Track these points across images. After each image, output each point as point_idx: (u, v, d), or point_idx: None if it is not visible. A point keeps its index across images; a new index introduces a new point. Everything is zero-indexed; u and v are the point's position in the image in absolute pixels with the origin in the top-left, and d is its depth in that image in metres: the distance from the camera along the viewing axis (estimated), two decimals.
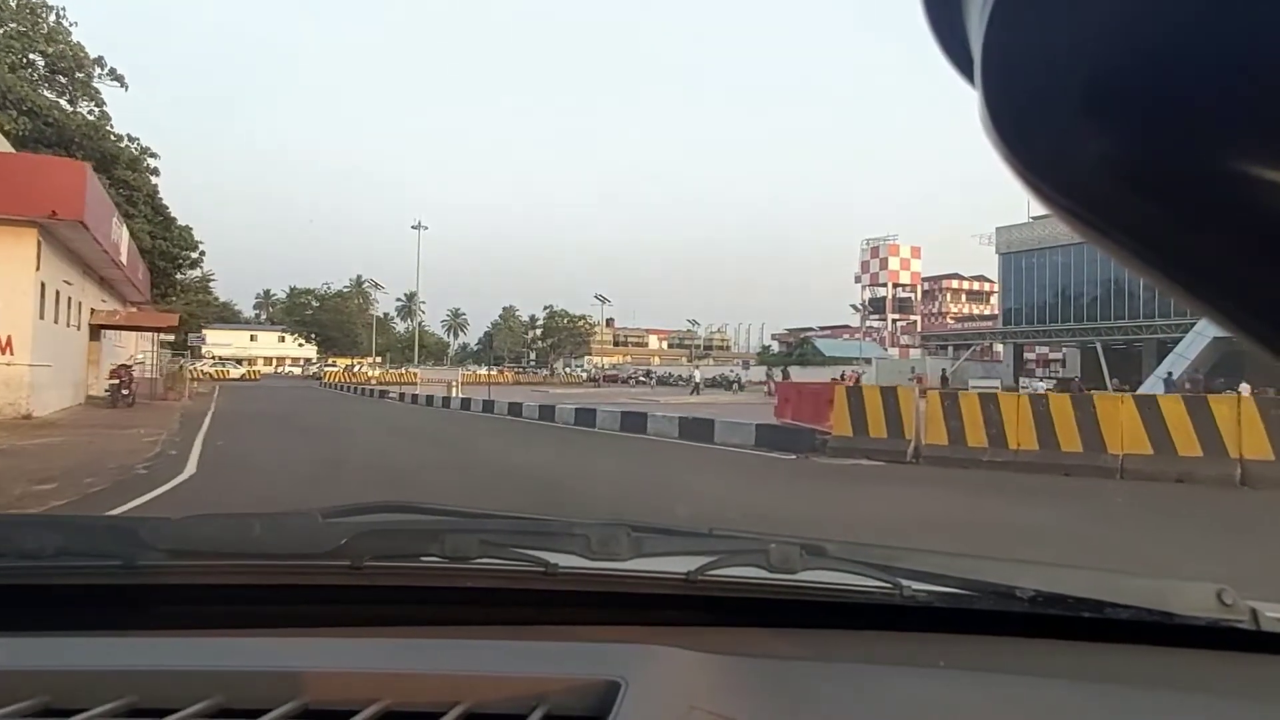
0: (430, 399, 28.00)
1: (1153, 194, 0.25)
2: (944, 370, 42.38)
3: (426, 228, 66.53)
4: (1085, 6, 0.24)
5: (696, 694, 0.83)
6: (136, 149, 28.79)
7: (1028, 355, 56.23)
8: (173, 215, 33.33)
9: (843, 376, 54.47)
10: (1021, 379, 45.15)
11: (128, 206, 28.60)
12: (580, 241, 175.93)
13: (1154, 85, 0.24)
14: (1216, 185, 0.24)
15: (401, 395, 31.45)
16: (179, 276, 38.60)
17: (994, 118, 0.26)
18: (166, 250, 31.80)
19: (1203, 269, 0.26)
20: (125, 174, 28.69)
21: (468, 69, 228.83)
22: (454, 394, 27.54)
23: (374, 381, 45.40)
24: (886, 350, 71.38)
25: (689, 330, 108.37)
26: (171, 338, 45.76)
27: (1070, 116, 0.25)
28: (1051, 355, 59.48)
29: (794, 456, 11.25)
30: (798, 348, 71.93)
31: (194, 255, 36.77)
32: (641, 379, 63.13)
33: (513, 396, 29.60)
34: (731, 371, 43.79)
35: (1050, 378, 48.27)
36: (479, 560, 1.04)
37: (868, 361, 58.81)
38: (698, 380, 42.61)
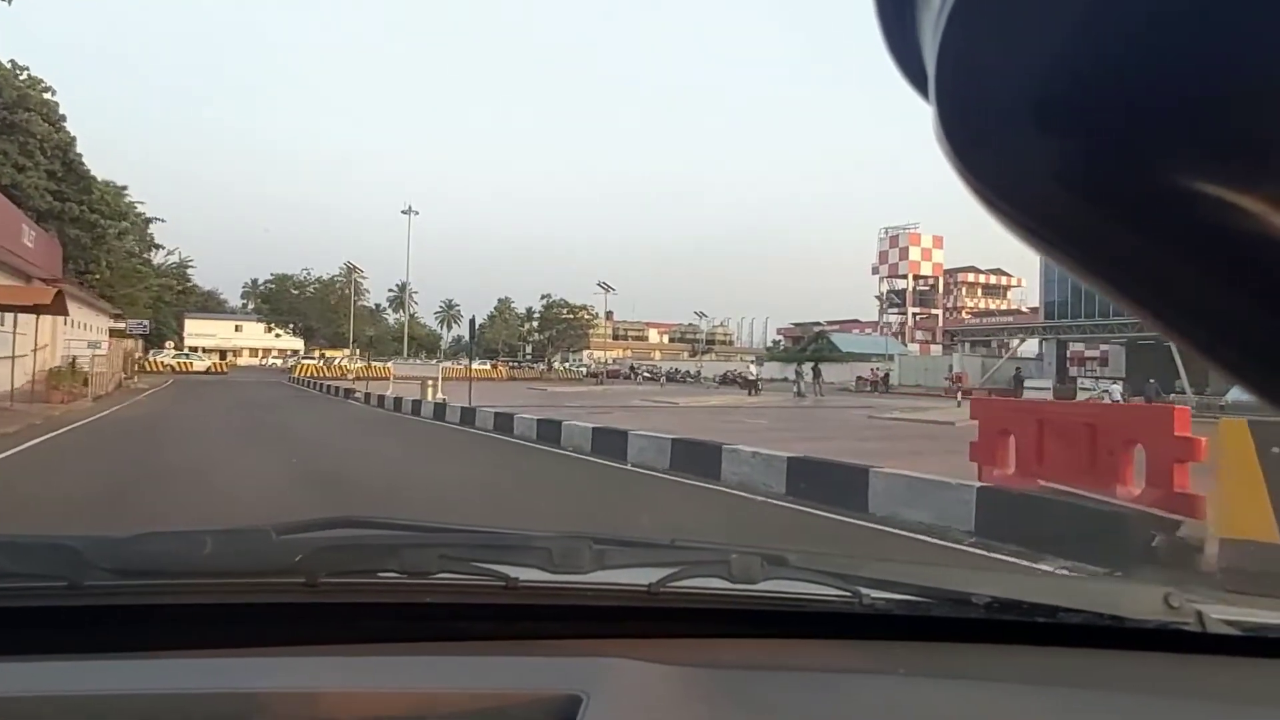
0: (399, 402, 21.49)
1: (1105, 208, 0.25)
2: (1018, 370, 35.66)
3: (417, 213, 59.82)
4: (1038, 23, 0.24)
5: (658, 706, 0.82)
6: (24, 80, 22.06)
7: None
8: (93, 175, 26.73)
9: (871, 374, 48.81)
10: (1082, 381, 38.49)
11: (20, 157, 22.05)
12: (577, 234, 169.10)
13: (1105, 101, 0.24)
14: (1168, 200, 0.24)
15: (367, 396, 24.95)
16: (117, 250, 32.01)
17: (947, 132, 0.26)
18: (81, 217, 25.12)
19: (1155, 283, 0.26)
20: (20, 115, 22.02)
21: (465, 58, 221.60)
22: (429, 397, 21.07)
23: (351, 376, 38.85)
24: (906, 346, 64.97)
25: (690, 324, 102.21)
26: (122, 326, 39.19)
27: (1023, 131, 0.25)
28: (1088, 353, 53.07)
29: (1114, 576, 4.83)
30: (812, 343, 65.36)
31: (124, 225, 30.13)
32: (648, 375, 56.75)
33: (504, 397, 23.24)
34: (749, 369, 37.03)
35: (1093, 377, 41.65)
36: (438, 575, 1.00)
37: (888, 358, 52.55)
38: (753, 377, 35.36)
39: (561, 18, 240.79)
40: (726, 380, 49.65)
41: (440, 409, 18.30)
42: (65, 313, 18.59)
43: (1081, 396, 32.17)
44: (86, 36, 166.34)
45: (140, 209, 55.38)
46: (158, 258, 65.30)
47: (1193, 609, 1.05)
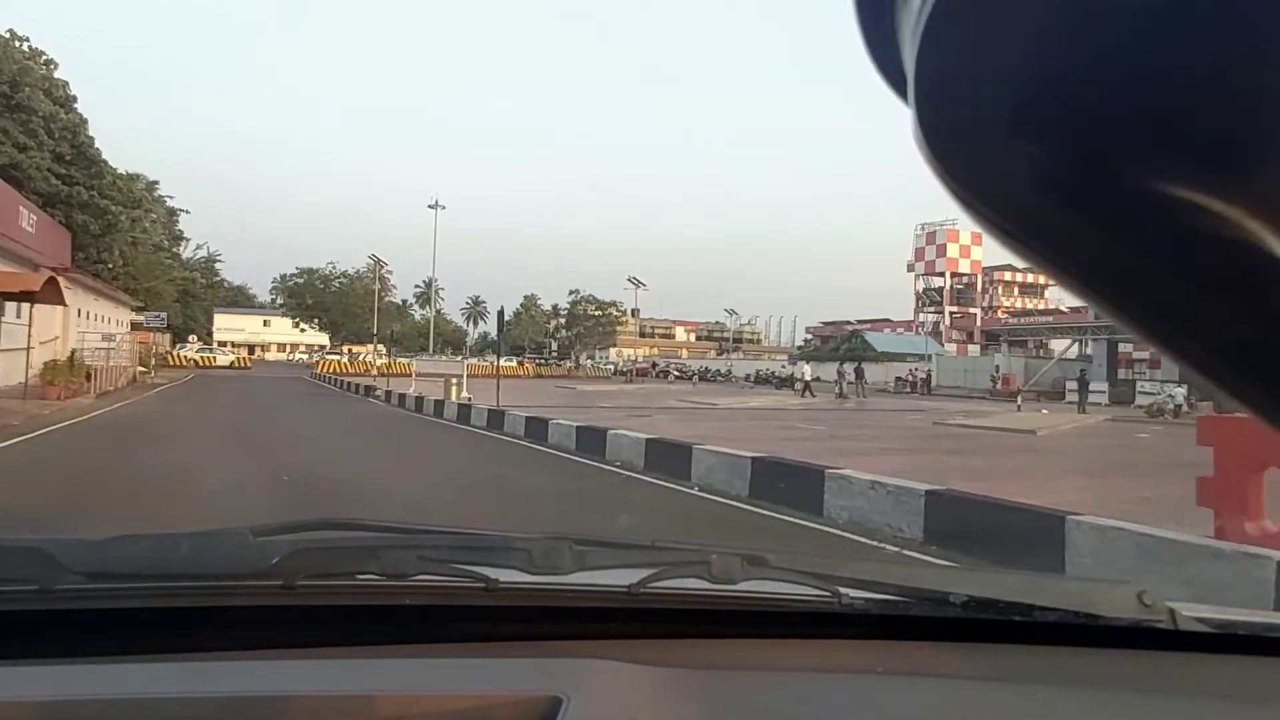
0: (420, 402, 19.61)
1: (1079, 211, 0.25)
2: (1082, 373, 32.92)
3: (444, 208, 58.20)
4: (1014, 29, 0.24)
5: (638, 707, 0.81)
6: (25, 52, 20.30)
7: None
8: (105, 159, 25.06)
9: (910, 375, 46.35)
10: (1141, 385, 35.73)
11: (22, 135, 20.40)
12: (603, 231, 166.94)
13: (1082, 106, 0.24)
14: (1144, 204, 0.24)
15: (388, 395, 23.10)
16: (143, 242, 30.43)
17: (926, 135, 0.26)
18: (91, 203, 23.46)
19: (1130, 286, 0.26)
20: (23, 92, 20.38)
21: (492, 52, 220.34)
22: (453, 397, 19.17)
23: (374, 373, 37.15)
24: (942, 346, 62.24)
25: (717, 322, 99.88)
26: (140, 318, 37.80)
27: (999, 135, 0.25)
28: (1136, 354, 50.09)
29: None
30: (845, 342, 62.76)
31: (138, 213, 28.49)
32: (679, 374, 54.60)
33: (533, 396, 21.36)
34: (804, 369, 33.83)
35: (1148, 380, 38.75)
36: (418, 577, 0.97)
37: (925, 358, 50.01)
38: (807, 379, 32.17)
39: (589, 11, 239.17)
40: (760, 380, 47.53)
41: (465, 411, 16.38)
42: (61, 302, 16.91)
43: (1142, 400, 29.62)
44: (108, 29, 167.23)
45: (170, 202, 54.40)
46: (186, 251, 64.33)
47: (1165, 607, 1.05)
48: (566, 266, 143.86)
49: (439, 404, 18.31)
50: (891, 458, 10.58)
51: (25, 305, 17.98)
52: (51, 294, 16.09)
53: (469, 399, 18.94)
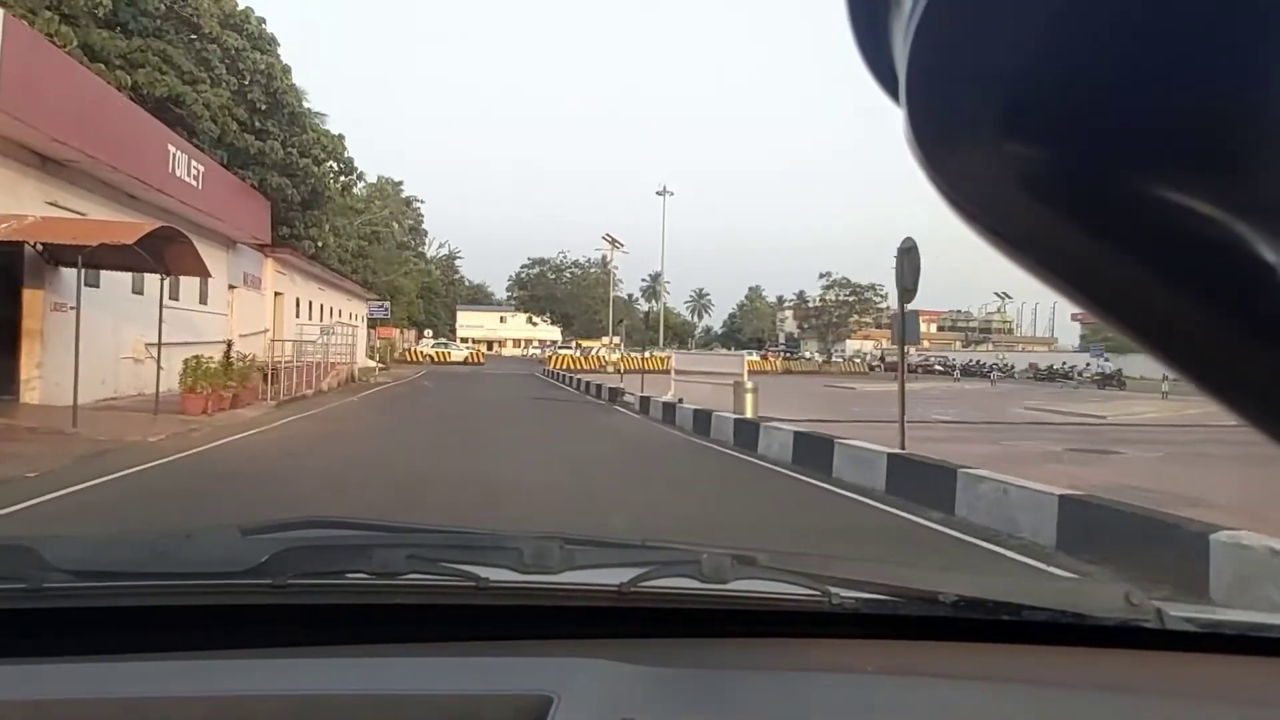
0: (704, 419, 12.14)
1: (1067, 213, 0.24)
2: None
3: (672, 193, 51.88)
4: (1004, 32, 0.23)
5: (629, 706, 0.79)
6: None
7: None
8: (306, 110, 20.01)
9: None
10: None
11: (192, 65, 15.31)
12: (827, 224, 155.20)
13: (1070, 109, 0.23)
14: (1133, 207, 0.23)
15: (643, 403, 16.05)
16: (385, 239, 25.94)
17: (917, 136, 0.25)
18: (288, 163, 18.32)
19: (1120, 290, 0.25)
20: (195, 7, 15.29)
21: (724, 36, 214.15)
22: (748, 410, 11.66)
23: (610, 369, 30.86)
24: None
25: (959, 311, 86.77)
26: (364, 311, 34.00)
27: (989, 137, 0.24)
28: None
29: None
30: None
31: (348, 179, 23.53)
32: (945, 369, 44.39)
33: (816, 405, 13.53)
34: (1104, 364, 22.48)
35: None
36: (407, 576, 0.94)
37: None
38: None
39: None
40: (1062, 376, 36.66)
41: (821, 447, 8.61)
42: (201, 272, 11.20)
43: None
44: (337, 32, 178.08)
45: (418, 205, 52.47)
46: (430, 250, 62.97)
47: (1152, 606, 1.03)
48: (791, 259, 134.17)
49: (741, 425, 10.77)
50: None
51: (171, 281, 12.56)
52: (183, 260, 10.29)
53: (753, 402, 11.58)
